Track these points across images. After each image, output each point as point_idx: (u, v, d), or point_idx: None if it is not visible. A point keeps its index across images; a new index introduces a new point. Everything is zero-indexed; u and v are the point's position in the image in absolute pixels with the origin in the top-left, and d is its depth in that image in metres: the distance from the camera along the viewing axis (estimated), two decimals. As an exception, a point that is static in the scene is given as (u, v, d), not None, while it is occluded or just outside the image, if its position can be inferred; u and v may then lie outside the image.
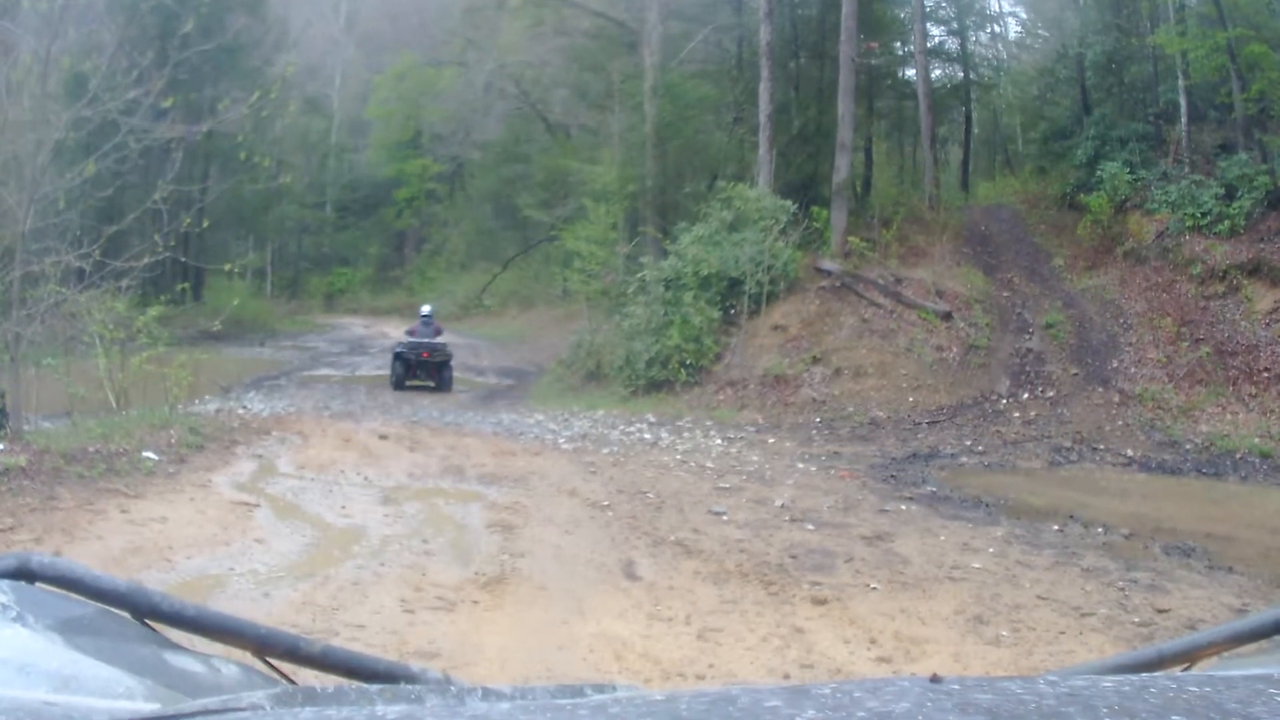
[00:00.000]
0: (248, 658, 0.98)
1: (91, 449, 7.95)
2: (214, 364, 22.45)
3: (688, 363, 16.30)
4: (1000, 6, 36.34)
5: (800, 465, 10.18)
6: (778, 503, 8.13)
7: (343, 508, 7.50)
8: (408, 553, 6.35)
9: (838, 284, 18.68)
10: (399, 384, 18.53)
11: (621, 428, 12.71)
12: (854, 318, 18.10)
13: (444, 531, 7.02)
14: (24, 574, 0.94)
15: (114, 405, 10.18)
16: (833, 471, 9.96)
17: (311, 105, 45.05)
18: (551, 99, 29.32)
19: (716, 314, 16.98)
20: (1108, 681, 0.65)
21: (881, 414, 15.24)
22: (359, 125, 49.33)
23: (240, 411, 13.16)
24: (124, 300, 10.22)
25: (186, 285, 21.05)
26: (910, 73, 29.08)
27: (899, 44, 28.71)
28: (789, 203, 18.47)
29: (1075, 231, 21.52)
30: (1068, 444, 14.02)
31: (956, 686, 0.61)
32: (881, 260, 19.91)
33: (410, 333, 19.33)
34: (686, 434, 12.31)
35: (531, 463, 9.61)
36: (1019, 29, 36.96)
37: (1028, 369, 17.70)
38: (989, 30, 35.09)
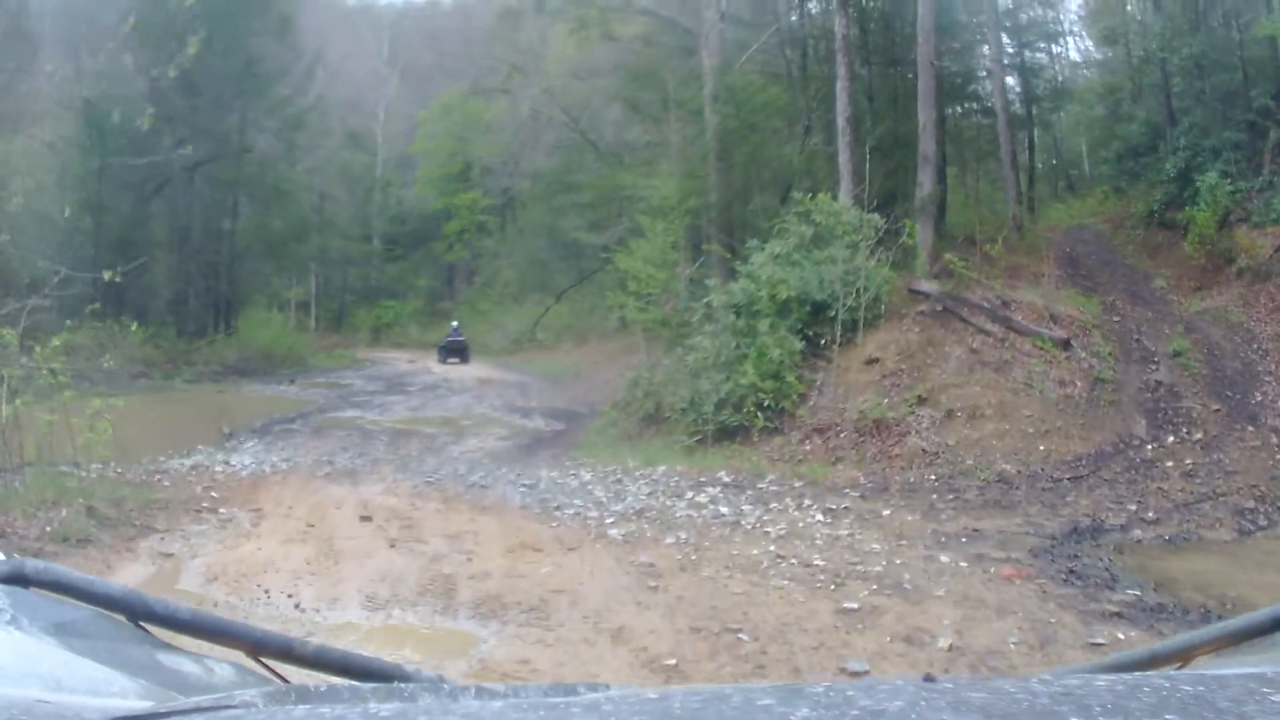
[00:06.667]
0: (243, 658, 0.98)
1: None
2: (228, 403, 20.39)
3: (766, 404, 13.52)
4: (1064, 25, 34.26)
5: (942, 558, 7.26)
6: (940, 641, 5.25)
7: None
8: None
9: (938, 308, 16.05)
10: (442, 360, 32.14)
11: (689, 495, 9.86)
12: (961, 348, 15.45)
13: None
14: (18, 579, 0.93)
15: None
16: (991, 569, 7.05)
17: (354, 139, 44.45)
18: (602, 122, 27.78)
19: (798, 345, 14.24)
20: (1101, 680, 0.64)
21: (1009, 468, 12.48)
22: (406, 159, 49.05)
23: (218, 469, 10.70)
24: (12, 331, 7.65)
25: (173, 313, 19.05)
26: (976, 88, 27.34)
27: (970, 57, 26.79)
28: (876, 216, 15.92)
29: (1172, 250, 20.08)
30: (1249, 503, 11.48)
31: (950, 685, 0.60)
32: (985, 281, 17.43)
33: (448, 336, 33.82)
34: (775, 504, 9.39)
35: (562, 567, 6.89)
36: (1088, 44, 34.86)
37: (1163, 406, 15.38)
38: (1048, 50, 33.55)
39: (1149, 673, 0.79)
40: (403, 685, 0.82)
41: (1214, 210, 18.55)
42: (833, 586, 6.33)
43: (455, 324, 35.30)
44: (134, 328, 21.65)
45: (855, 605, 5.91)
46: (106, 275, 7.89)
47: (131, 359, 20.42)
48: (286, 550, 6.90)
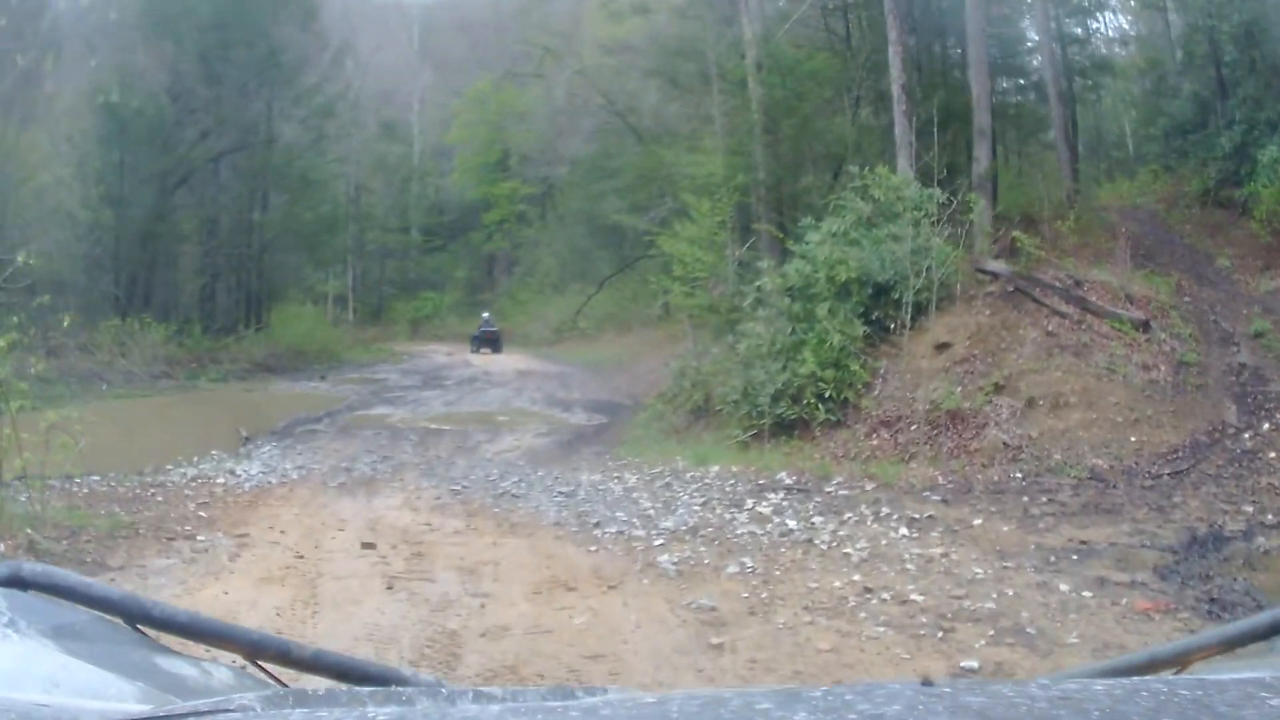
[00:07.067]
0: (240, 662, 0.97)
1: None
2: (253, 402, 19.57)
3: (827, 395, 12.33)
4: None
5: (1060, 586, 6.01)
6: (1095, 714, 4.12)
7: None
8: None
9: (1009, 289, 14.85)
10: (474, 350, 32.67)
11: (749, 504, 8.69)
12: (1036, 330, 14.23)
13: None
14: (16, 582, 0.93)
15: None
16: (1122, 599, 5.81)
17: (389, 130, 43.89)
18: (640, 102, 26.68)
19: (861, 330, 13.02)
20: (1099, 685, 0.64)
21: (1101, 462, 11.22)
22: (442, 149, 48.57)
23: (220, 480, 9.72)
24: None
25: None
26: (1020, 62, 26.13)
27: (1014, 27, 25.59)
28: (937, 190, 14.63)
29: (1232, 228, 19.25)
30: (1371, 500, 10.28)
31: (948, 690, 0.60)
32: (1055, 259, 16.23)
33: (479, 327, 34.22)
34: (849, 514, 8.18)
35: (599, 616, 5.61)
36: (1123, 22, 33.24)
37: (1250, 390, 14.24)
38: (1085, 25, 32.07)
39: (1147, 677, 0.80)
40: (400, 689, 0.81)
41: (1278, 186, 17.58)
42: (940, 634, 5.11)
43: (486, 314, 36.04)
44: (154, 325, 21.00)
45: (975, 664, 4.69)
46: (21, 258, 7.01)
47: (154, 358, 19.71)
48: (259, 595, 5.84)
